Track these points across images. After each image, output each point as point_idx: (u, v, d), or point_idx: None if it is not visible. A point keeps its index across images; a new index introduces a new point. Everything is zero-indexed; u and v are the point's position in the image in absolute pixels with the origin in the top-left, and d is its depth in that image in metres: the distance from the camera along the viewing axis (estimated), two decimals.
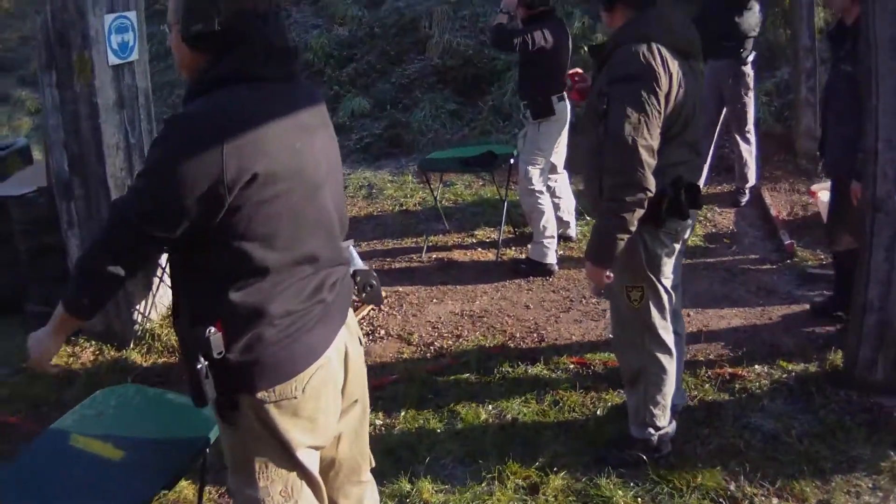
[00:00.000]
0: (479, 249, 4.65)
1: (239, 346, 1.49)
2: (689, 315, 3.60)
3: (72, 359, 3.56)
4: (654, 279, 2.43)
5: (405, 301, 4.05)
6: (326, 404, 1.63)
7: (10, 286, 4.68)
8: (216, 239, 1.45)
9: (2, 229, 4.77)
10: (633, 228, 2.26)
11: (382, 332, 3.80)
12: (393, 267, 4.54)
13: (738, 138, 4.95)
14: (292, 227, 1.50)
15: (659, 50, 2.21)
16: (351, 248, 1.79)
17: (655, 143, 2.21)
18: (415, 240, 4.88)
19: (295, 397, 1.55)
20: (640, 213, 2.23)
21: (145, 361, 3.53)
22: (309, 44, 8.28)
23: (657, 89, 2.19)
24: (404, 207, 5.48)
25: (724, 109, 4.92)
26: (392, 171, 6.39)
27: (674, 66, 2.23)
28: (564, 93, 4.01)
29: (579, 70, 2.96)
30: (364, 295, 1.88)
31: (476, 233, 4.88)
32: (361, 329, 3.58)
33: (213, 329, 1.45)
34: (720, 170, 5.40)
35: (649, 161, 2.19)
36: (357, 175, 6.29)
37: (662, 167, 2.24)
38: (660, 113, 2.21)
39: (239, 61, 1.49)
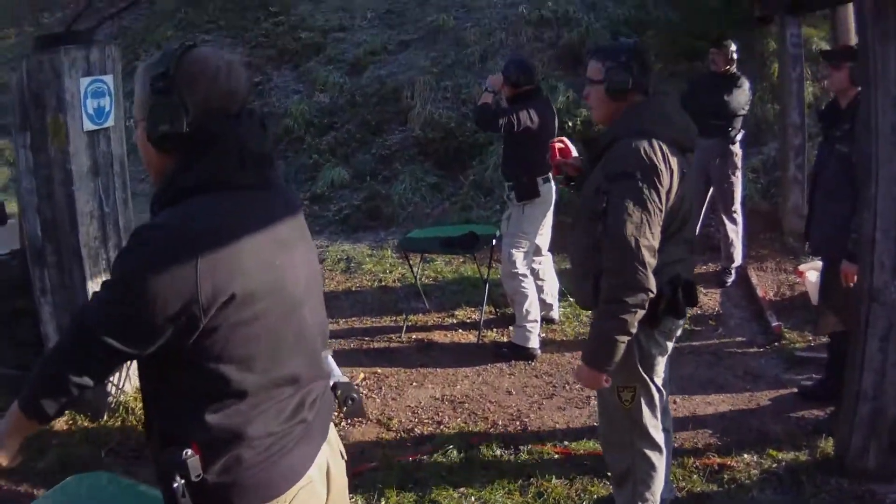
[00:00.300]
0: (460, 331, 4.65)
1: (216, 467, 1.42)
2: (675, 402, 3.58)
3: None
4: (648, 379, 2.39)
5: (384, 383, 4.02)
6: None
7: None
8: (190, 359, 1.38)
9: None
10: (634, 331, 2.22)
11: None
12: (372, 346, 4.51)
13: (724, 218, 5.01)
14: (271, 348, 1.44)
15: (660, 146, 2.21)
16: (330, 358, 1.74)
17: (656, 243, 2.20)
18: (394, 318, 4.86)
19: None
20: (640, 314, 2.20)
21: (119, 434, 3.46)
22: (289, 110, 8.42)
23: (659, 186, 2.18)
24: (383, 283, 5.48)
25: (711, 188, 4.98)
26: (371, 244, 6.41)
27: (674, 161, 2.24)
28: (549, 174, 4.03)
29: (563, 140, 2.86)
30: (346, 409, 1.84)
31: (457, 312, 4.87)
32: (338, 412, 3.59)
33: (189, 451, 1.39)
34: (705, 249, 5.43)
35: (650, 261, 2.17)
36: (335, 248, 6.30)
37: (660, 266, 2.22)
38: (661, 211, 2.20)
39: (211, 167, 1.42)
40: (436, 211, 6.79)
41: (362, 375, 4.09)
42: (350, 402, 1.82)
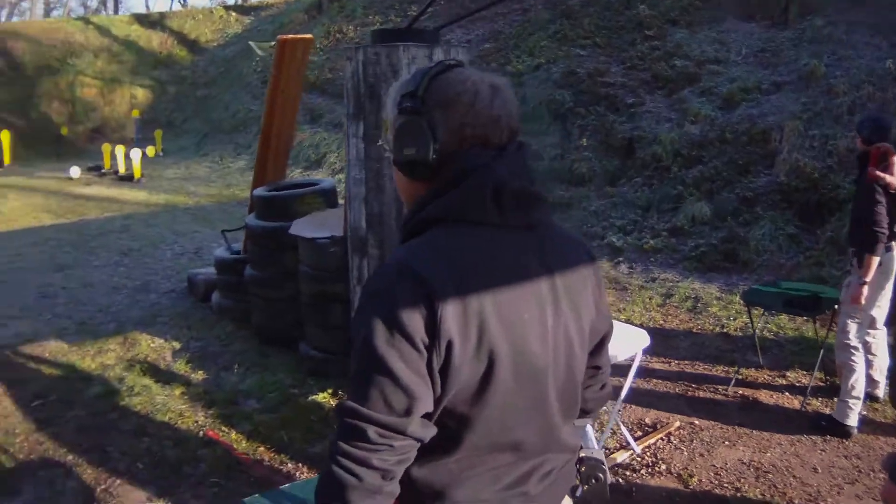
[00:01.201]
0: (787, 394, 4.96)
1: None
2: None
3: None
4: None
5: (697, 437, 4.35)
6: None
7: (289, 321, 5.23)
8: None
9: (289, 265, 5.28)
10: None
11: (664, 466, 4.06)
12: (696, 395, 4.94)
13: None
14: (500, 411, 1.34)
15: None
16: (588, 429, 1.75)
17: None
18: (726, 369, 5.30)
19: None
20: None
21: None
22: (659, 137, 9.04)
23: None
24: (725, 330, 5.96)
25: None
26: (721, 286, 6.91)
27: None
28: (893, 243, 4.23)
29: None
30: (586, 488, 1.70)
31: (788, 373, 5.21)
32: (644, 458, 4.15)
33: None
34: None
35: None
36: (685, 284, 6.91)
37: None
38: None
39: (458, 202, 1.34)
40: (790, 262, 7.07)
41: (678, 424, 4.49)
42: (593, 481, 1.70)
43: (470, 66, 1.45)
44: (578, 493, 1.74)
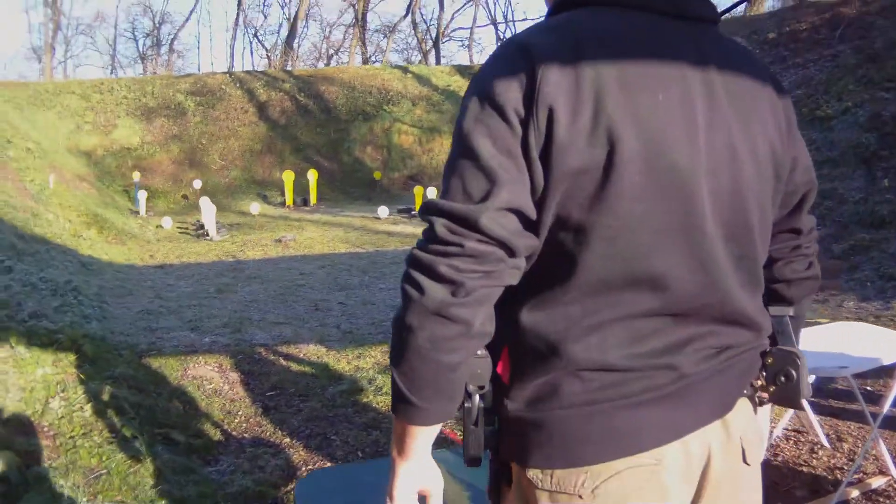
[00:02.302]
0: None
1: (525, 393, 1.22)
2: None
3: None
4: None
5: None
6: None
7: None
8: None
9: None
10: None
11: None
12: None
13: None
14: (628, 224, 1.12)
15: None
16: (787, 319, 1.41)
17: None
18: None
19: (579, 496, 1.18)
20: None
21: None
22: None
23: None
24: None
25: None
26: None
27: None
28: None
29: None
30: (773, 389, 1.36)
31: None
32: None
33: (487, 356, 1.22)
34: None
35: None
36: None
37: None
38: None
39: None
40: None
41: None
42: (782, 379, 1.34)
43: None
44: (759, 395, 1.39)
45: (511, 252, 1.11)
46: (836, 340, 3.60)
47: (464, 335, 1.10)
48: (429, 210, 1.12)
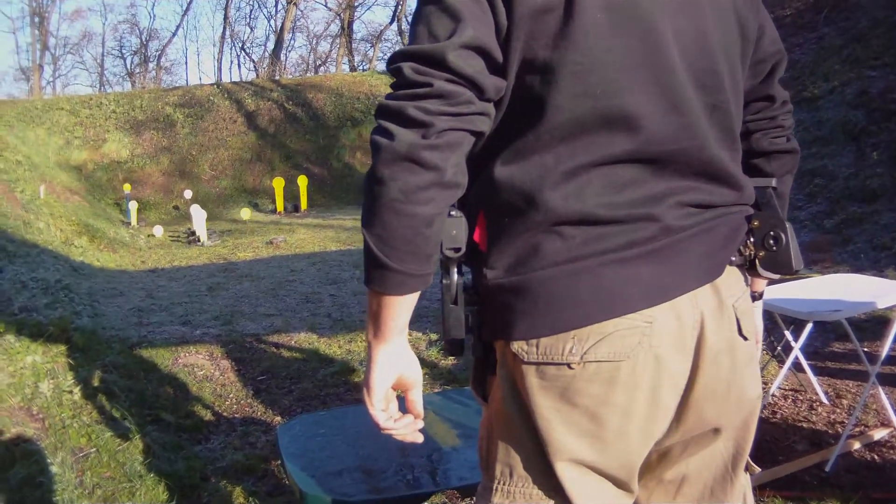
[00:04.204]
0: None
1: (504, 258, 1.17)
2: None
3: None
4: None
5: None
6: (631, 401, 1.14)
7: None
8: None
9: None
10: None
11: None
12: None
13: None
14: (592, 58, 1.10)
15: None
16: (770, 191, 1.38)
17: None
18: None
19: (568, 365, 1.13)
20: None
21: None
22: None
23: None
24: None
25: None
26: None
27: None
28: None
29: None
30: (762, 254, 1.28)
31: None
32: None
33: (462, 217, 1.19)
34: None
35: None
36: None
37: None
38: None
39: None
40: None
41: None
42: (773, 242, 1.27)
43: None
44: (749, 259, 1.30)
45: (480, 92, 1.08)
46: (830, 289, 3.63)
47: (436, 184, 1.06)
48: (395, 59, 1.09)
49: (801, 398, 3.98)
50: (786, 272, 1.28)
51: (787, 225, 1.27)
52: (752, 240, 1.28)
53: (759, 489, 3.01)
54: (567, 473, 1.15)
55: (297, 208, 19.61)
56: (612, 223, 1.12)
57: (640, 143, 1.12)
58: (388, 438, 1.24)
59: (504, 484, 1.21)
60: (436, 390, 4.69)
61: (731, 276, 1.24)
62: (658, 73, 1.13)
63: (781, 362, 3.98)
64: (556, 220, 1.12)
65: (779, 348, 4.14)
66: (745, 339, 1.23)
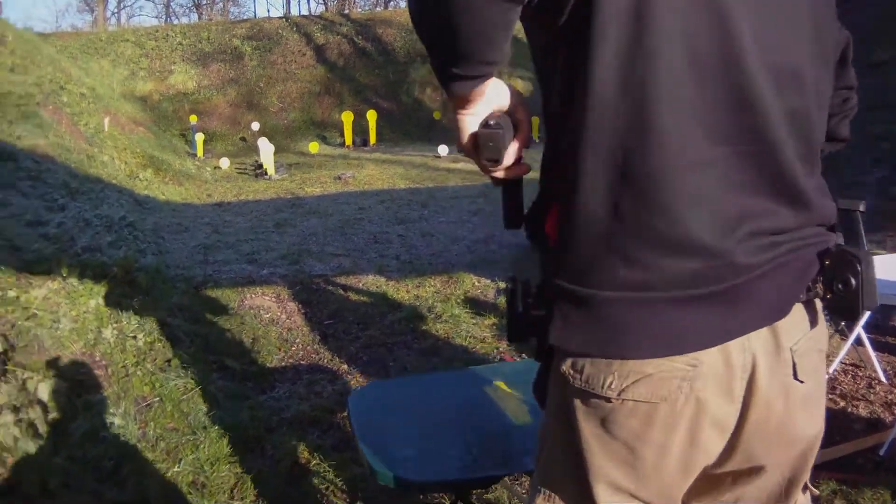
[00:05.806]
0: None
1: (573, 263, 1.08)
2: None
3: None
4: None
5: None
6: (668, 440, 1.08)
7: None
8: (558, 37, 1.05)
9: None
10: None
11: None
12: None
13: None
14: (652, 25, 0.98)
15: None
16: (858, 215, 1.29)
17: None
18: None
19: (606, 398, 1.08)
20: None
21: None
22: None
23: None
24: None
25: None
26: None
27: None
28: None
29: None
30: (830, 296, 1.14)
31: None
32: None
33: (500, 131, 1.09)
34: None
35: None
36: None
37: None
38: None
39: None
40: None
41: None
42: (842, 287, 1.11)
43: None
44: (815, 296, 1.16)
45: None
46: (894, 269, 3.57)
47: None
48: None
49: (860, 374, 3.91)
50: (849, 318, 1.34)
51: (863, 263, 1.09)
52: (821, 279, 1.13)
53: (815, 468, 2.81)
54: (604, 496, 1.12)
55: (365, 142, 19.50)
56: (688, 256, 1.02)
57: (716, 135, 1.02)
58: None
59: (547, 489, 1.20)
60: (502, 341, 4.54)
61: (794, 315, 1.12)
62: (727, 67, 1.01)
63: (844, 336, 3.96)
64: (636, 237, 1.03)
65: (842, 323, 4.07)
66: (801, 382, 1.12)
